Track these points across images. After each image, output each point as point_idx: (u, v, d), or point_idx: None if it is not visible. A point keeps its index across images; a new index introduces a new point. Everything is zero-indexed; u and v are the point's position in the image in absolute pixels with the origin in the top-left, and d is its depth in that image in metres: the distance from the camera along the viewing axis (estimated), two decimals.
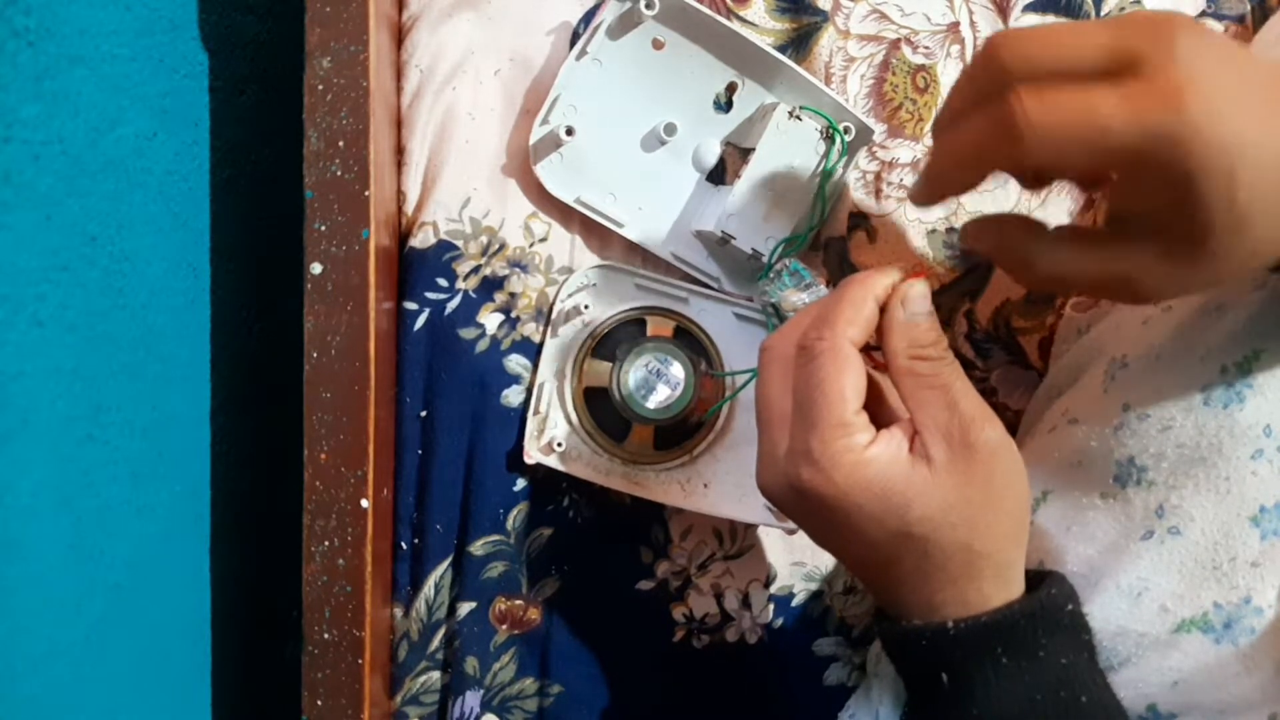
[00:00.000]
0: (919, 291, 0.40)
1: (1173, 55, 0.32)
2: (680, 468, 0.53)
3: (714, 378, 0.53)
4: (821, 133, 0.51)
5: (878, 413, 0.40)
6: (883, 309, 0.40)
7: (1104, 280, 0.36)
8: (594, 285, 0.52)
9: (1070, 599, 0.40)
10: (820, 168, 0.51)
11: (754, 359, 0.52)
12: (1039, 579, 0.41)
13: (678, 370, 0.51)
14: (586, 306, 0.52)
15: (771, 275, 0.50)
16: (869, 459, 0.38)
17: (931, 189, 0.40)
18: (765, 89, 0.52)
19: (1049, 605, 0.39)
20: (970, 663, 0.38)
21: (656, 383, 0.51)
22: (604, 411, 0.52)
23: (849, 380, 0.38)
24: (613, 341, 0.52)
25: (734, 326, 0.53)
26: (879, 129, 0.54)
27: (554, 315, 0.52)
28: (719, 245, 0.51)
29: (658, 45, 0.50)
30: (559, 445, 0.51)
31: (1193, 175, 0.32)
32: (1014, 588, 0.39)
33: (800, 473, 0.38)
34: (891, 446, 0.38)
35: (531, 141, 0.50)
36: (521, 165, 0.52)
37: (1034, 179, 0.42)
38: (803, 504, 0.39)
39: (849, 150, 0.52)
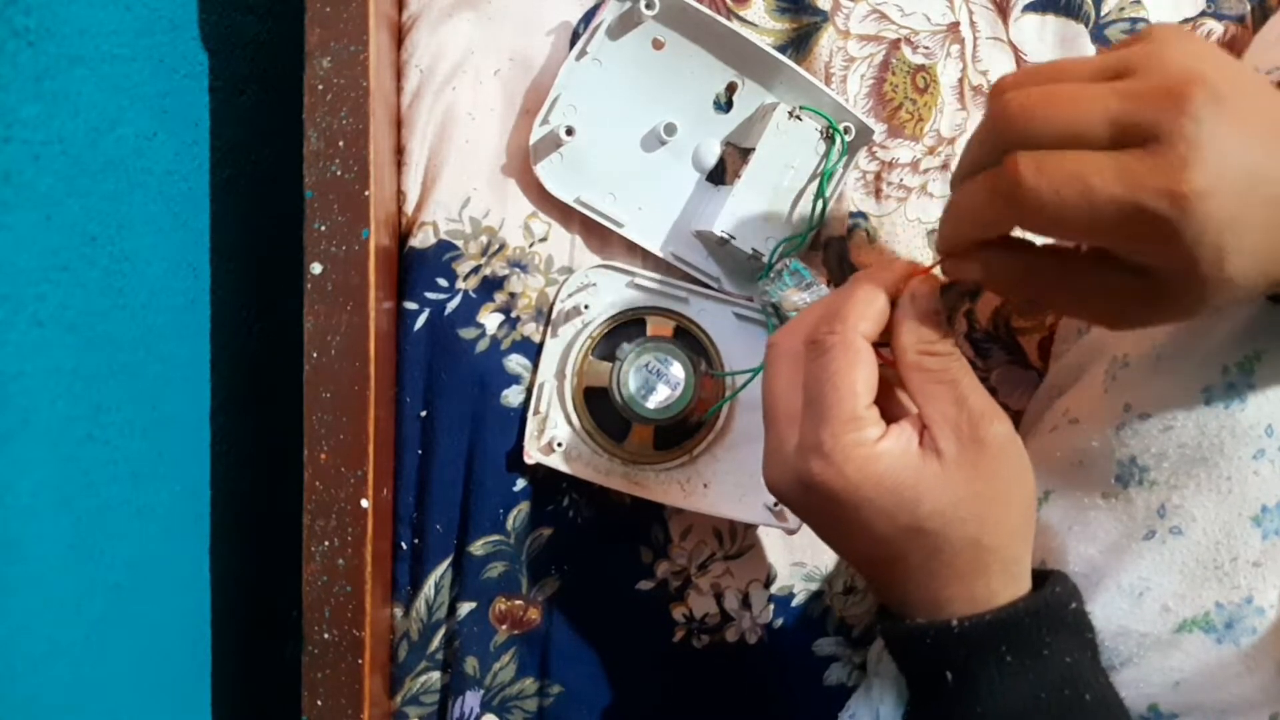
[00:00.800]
0: (928, 288, 0.40)
1: (1182, 133, 0.31)
2: (680, 468, 0.53)
3: (714, 378, 0.53)
4: (821, 133, 0.51)
5: (886, 408, 0.40)
6: (891, 305, 0.40)
7: (1083, 303, 0.37)
8: (594, 285, 0.52)
9: (1074, 597, 0.40)
10: (820, 168, 0.51)
11: (754, 359, 0.52)
12: (1042, 577, 0.41)
13: (678, 370, 0.51)
14: (586, 306, 0.52)
15: (772, 275, 0.50)
16: (880, 453, 0.38)
17: (948, 242, 0.40)
18: (765, 89, 0.52)
19: (1053, 604, 0.39)
20: (974, 661, 0.38)
21: (656, 383, 0.51)
22: (604, 411, 0.52)
23: (861, 374, 0.38)
24: (613, 341, 0.52)
25: (734, 326, 0.53)
26: (879, 129, 0.54)
27: (554, 315, 0.52)
28: (719, 245, 0.51)
29: (658, 45, 0.50)
30: (559, 445, 0.51)
31: (1183, 248, 0.32)
32: (1021, 584, 0.39)
33: (810, 467, 0.38)
34: (902, 441, 0.38)
35: (531, 141, 0.50)
36: (521, 165, 0.52)
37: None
38: (811, 499, 0.39)
39: (849, 150, 0.52)
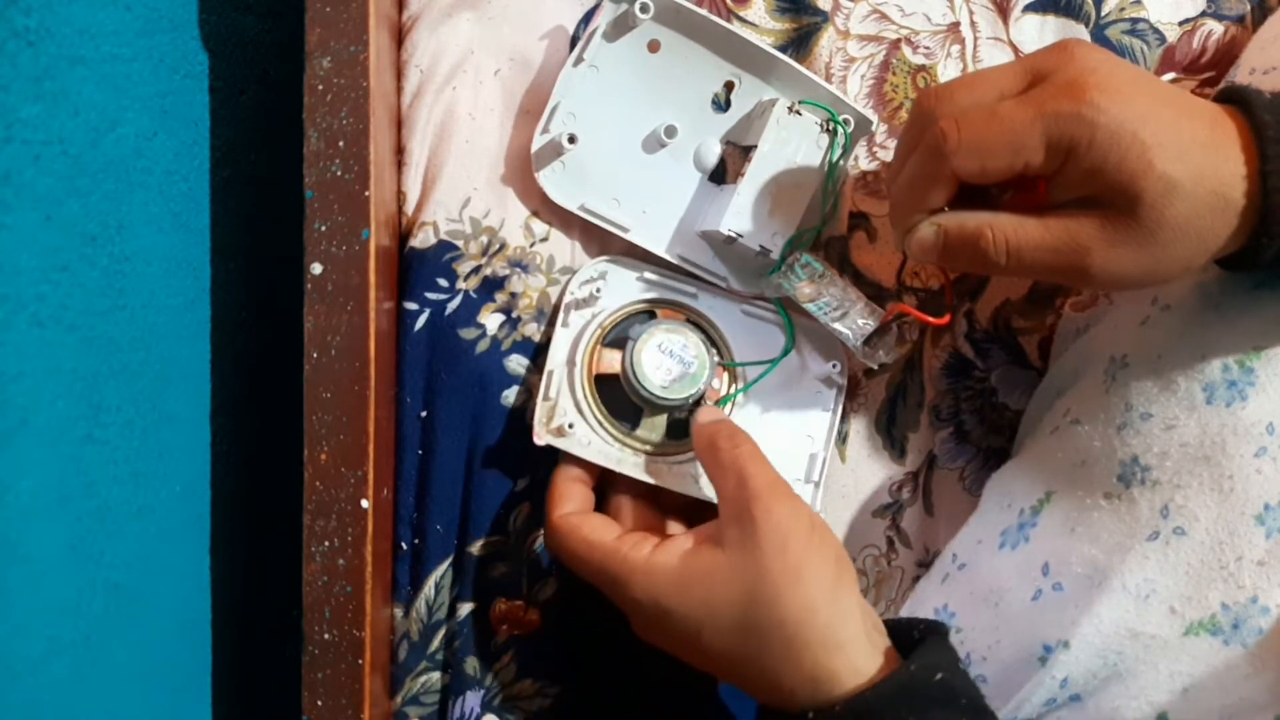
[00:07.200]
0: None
1: (1073, 59, 0.37)
2: (691, 459, 0.52)
3: (727, 368, 0.53)
4: (822, 126, 0.50)
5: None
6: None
7: (1055, 249, 0.38)
8: (604, 278, 0.52)
9: (940, 667, 0.38)
10: (825, 161, 0.51)
11: (763, 353, 0.52)
12: (918, 637, 0.40)
13: (691, 351, 0.50)
14: (598, 291, 0.51)
15: (784, 269, 0.50)
16: (655, 565, 0.41)
17: (900, 214, 0.43)
18: (763, 85, 0.52)
19: (912, 684, 0.37)
20: None
21: (669, 362, 0.50)
22: (615, 401, 0.51)
23: (588, 529, 0.45)
24: (622, 334, 0.52)
25: (743, 322, 0.53)
26: (880, 129, 0.54)
27: (565, 303, 0.52)
28: (725, 245, 0.51)
29: (653, 47, 0.50)
30: (570, 427, 0.50)
31: (1104, 147, 0.35)
32: (858, 657, 0.38)
33: (622, 602, 0.43)
34: (675, 548, 0.41)
35: (533, 150, 0.50)
36: (521, 166, 0.52)
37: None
38: (647, 630, 0.43)
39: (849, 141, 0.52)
